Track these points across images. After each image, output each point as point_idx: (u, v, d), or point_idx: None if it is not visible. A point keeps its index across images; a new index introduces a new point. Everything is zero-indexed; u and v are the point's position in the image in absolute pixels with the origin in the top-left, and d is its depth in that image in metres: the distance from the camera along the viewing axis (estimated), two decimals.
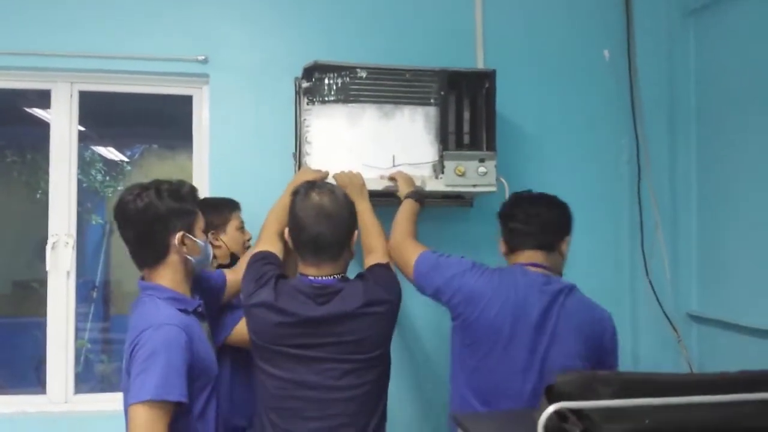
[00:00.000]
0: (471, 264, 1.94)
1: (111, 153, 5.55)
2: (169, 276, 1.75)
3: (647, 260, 2.66)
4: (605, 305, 2.62)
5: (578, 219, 2.75)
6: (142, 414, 1.53)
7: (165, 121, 3.38)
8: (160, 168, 5.47)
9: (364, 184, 2.21)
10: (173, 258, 1.74)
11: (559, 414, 1.14)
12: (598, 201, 2.72)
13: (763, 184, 2.36)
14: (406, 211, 2.17)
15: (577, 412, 1.14)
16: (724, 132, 2.60)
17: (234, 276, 2.05)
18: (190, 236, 1.76)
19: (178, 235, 1.73)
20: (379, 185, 2.28)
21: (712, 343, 2.64)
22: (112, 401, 2.54)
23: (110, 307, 5.27)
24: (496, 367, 1.84)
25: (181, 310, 1.71)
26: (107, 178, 5.63)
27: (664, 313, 2.63)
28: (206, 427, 1.71)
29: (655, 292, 2.64)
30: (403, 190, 2.25)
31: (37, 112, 3.40)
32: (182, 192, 1.77)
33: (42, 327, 2.59)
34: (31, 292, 4.47)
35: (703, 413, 1.12)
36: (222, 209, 2.29)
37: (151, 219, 1.70)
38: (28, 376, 3.93)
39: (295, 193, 1.87)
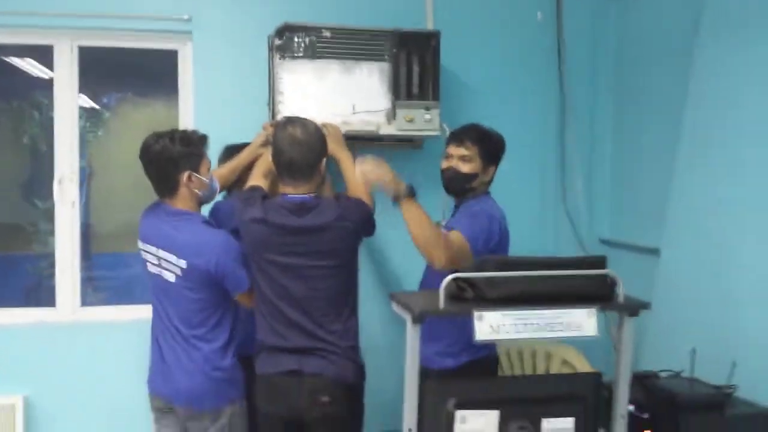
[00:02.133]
0: (488, 220, 2.24)
1: (85, 101, 5.80)
2: (184, 204, 2.23)
3: (566, 192, 3.18)
4: (532, 230, 3.21)
5: (512, 157, 3.19)
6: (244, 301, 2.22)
7: (137, 72, 3.73)
8: (136, 115, 5.73)
9: (342, 135, 2.56)
10: (183, 191, 2.22)
11: (459, 286, 1.63)
12: (528, 143, 3.19)
13: (666, 126, 2.84)
14: (417, 216, 2.15)
15: (472, 285, 1.63)
16: (637, 84, 3.10)
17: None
18: (197, 174, 2.21)
19: (185, 173, 2.19)
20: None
21: (621, 264, 3.13)
22: (113, 312, 3.06)
23: (91, 247, 5.61)
24: None
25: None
26: (88, 124, 5.91)
27: (577, 237, 3.17)
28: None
29: (571, 220, 3.17)
30: (397, 189, 2.20)
31: (15, 61, 3.61)
32: (192, 138, 2.22)
33: (31, 261, 2.96)
34: (18, 232, 4.80)
35: (555, 282, 1.62)
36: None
37: (165, 160, 2.17)
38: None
39: (276, 126, 2.28)
